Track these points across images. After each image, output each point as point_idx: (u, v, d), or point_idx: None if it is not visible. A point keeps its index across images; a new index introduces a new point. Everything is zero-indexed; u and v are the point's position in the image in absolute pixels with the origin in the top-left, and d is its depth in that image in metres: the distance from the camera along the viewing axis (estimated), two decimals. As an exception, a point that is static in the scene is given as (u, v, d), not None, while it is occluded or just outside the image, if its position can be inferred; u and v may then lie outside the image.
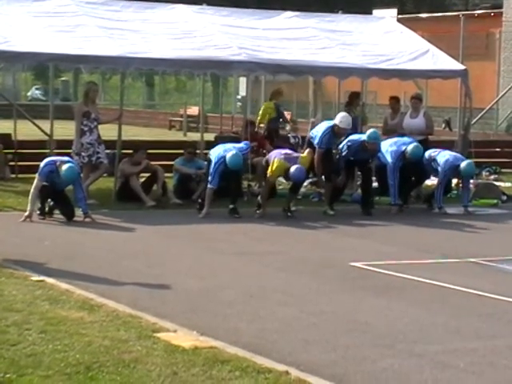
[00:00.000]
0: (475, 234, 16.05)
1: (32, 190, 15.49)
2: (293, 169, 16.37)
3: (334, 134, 17.39)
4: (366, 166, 18.07)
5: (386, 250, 14.05)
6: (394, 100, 21.56)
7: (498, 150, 28.22)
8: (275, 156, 16.94)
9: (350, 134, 18.91)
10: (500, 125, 35.41)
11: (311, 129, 23.13)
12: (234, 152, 16.44)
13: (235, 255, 13.34)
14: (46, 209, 15.84)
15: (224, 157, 16.38)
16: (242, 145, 17.20)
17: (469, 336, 9.03)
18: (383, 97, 23.18)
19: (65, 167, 15.51)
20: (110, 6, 21.99)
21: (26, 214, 15.33)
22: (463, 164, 17.95)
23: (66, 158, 16.16)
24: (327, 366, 7.68)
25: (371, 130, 18.05)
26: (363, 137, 17.81)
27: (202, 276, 11.63)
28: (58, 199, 15.95)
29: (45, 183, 15.52)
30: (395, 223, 16.67)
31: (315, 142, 17.46)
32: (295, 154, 17.26)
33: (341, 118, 17.42)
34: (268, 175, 16.92)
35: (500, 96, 33.34)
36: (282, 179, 17.88)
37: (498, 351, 8.44)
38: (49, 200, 15.89)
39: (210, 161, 16.76)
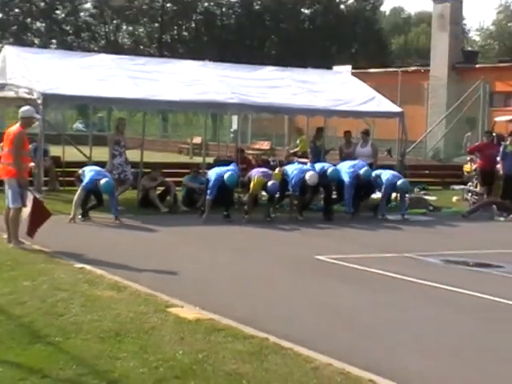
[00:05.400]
0: (409, 235, 16.08)
1: (75, 198, 15.50)
2: (269, 184, 16.76)
3: (304, 182, 17.33)
4: (328, 185, 18.09)
5: (342, 246, 14.09)
6: (348, 133, 21.71)
7: (426, 172, 28.31)
8: (255, 174, 17.22)
9: (316, 161, 19.06)
10: (428, 153, 35.52)
11: (286, 156, 23.27)
12: (230, 172, 16.52)
13: (228, 250, 13.34)
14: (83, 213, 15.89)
15: (222, 175, 16.43)
16: (231, 167, 17.22)
17: (400, 310, 9.09)
18: (341, 131, 23.22)
19: (103, 181, 15.53)
20: (136, 60, 22.35)
21: (71, 216, 15.33)
22: (399, 182, 18.07)
23: (104, 172, 16.23)
24: (297, 336, 7.69)
25: (333, 169, 17.89)
26: (326, 166, 17.91)
27: (204, 265, 11.64)
28: (96, 196, 16.12)
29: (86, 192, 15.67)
30: (349, 227, 16.70)
31: (289, 185, 17.36)
32: (270, 172, 17.51)
33: (309, 177, 17.17)
34: (251, 189, 17.06)
35: (428, 132, 33.53)
36: (263, 193, 17.96)
37: (416, 319, 8.54)
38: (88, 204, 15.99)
39: (208, 179, 16.82)
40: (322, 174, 17.56)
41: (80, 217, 15.75)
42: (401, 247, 13.99)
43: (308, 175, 17.19)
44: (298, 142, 23.07)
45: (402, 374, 6.61)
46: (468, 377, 6.73)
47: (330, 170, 17.76)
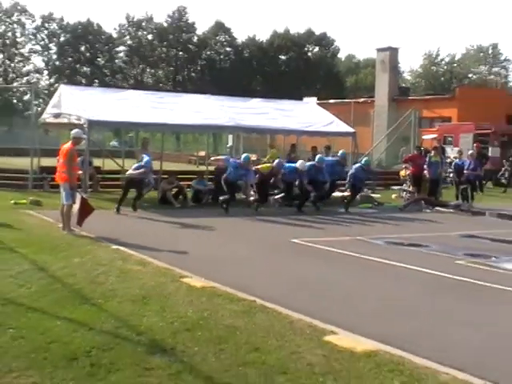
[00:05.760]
0: (360, 223, 16.10)
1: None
2: (275, 162, 17.54)
3: (297, 171, 17.43)
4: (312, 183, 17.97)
5: (312, 232, 14.07)
6: (314, 148, 21.79)
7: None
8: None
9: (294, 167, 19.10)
10: (374, 162, 35.50)
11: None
12: (246, 155, 17.33)
13: (225, 236, 13.32)
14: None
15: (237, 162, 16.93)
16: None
17: (355, 278, 9.09)
18: (309, 146, 23.27)
19: (143, 160, 15.97)
20: (157, 94, 22.67)
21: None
22: (363, 160, 19.34)
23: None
24: (277, 299, 7.69)
25: (319, 156, 18.24)
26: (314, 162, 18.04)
27: (207, 247, 11.62)
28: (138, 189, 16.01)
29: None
30: (317, 217, 16.68)
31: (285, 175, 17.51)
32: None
33: (299, 164, 17.46)
34: (260, 167, 17.43)
35: (373, 147, 33.53)
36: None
37: (366, 285, 8.52)
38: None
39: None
40: (310, 171, 17.59)
41: (115, 210, 15.71)
42: (354, 232, 14.02)
43: (298, 163, 17.55)
44: (269, 152, 23.11)
45: (357, 326, 6.62)
46: (406, 322, 6.75)
47: (317, 157, 18.10)
